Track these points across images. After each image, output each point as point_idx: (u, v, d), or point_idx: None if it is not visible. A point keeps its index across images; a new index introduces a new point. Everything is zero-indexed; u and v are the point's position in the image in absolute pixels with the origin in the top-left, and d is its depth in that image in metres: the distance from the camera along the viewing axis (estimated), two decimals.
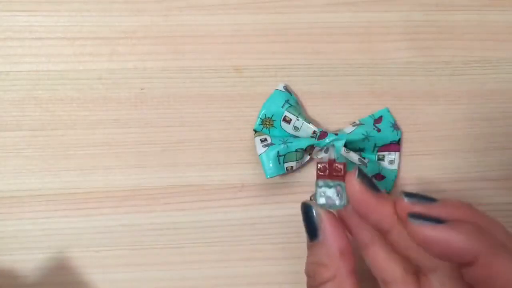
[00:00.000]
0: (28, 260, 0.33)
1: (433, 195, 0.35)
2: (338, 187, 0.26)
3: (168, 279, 0.34)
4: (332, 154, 0.27)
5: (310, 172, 0.35)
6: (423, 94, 0.36)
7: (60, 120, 0.34)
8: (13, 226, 0.33)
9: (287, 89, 0.34)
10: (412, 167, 0.35)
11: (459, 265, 0.23)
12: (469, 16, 0.36)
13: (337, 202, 0.26)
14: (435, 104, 0.36)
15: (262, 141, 0.33)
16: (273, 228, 0.34)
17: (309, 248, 0.26)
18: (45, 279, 0.33)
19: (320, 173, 0.26)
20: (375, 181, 0.33)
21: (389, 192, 0.34)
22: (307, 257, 0.26)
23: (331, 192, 0.26)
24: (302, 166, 0.34)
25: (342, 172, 0.26)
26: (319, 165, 0.27)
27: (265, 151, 0.32)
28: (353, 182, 0.25)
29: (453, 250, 0.22)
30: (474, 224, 0.23)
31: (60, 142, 0.34)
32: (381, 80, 0.36)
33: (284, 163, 0.32)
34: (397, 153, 0.35)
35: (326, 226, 0.25)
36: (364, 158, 0.33)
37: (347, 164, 0.29)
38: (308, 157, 0.34)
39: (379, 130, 0.34)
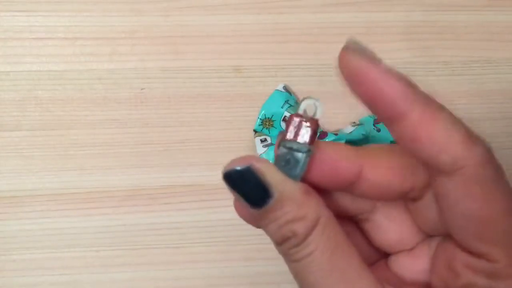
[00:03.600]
0: (28, 260, 0.33)
1: None
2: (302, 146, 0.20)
3: (168, 279, 0.34)
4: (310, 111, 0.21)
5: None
6: None
7: (60, 120, 0.34)
8: (13, 226, 0.33)
9: (286, 89, 0.34)
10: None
11: (388, 118, 0.18)
12: (469, 16, 0.36)
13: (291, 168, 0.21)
14: None
15: (262, 141, 0.33)
16: None
17: (265, 216, 0.21)
18: (45, 279, 0.33)
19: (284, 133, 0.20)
20: None
21: None
22: (264, 225, 0.21)
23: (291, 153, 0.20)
24: None
25: (313, 135, 0.20)
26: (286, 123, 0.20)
27: (265, 151, 0.32)
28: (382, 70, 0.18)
29: (389, 94, 0.18)
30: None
31: (60, 142, 0.34)
32: None
33: None
34: None
35: (276, 178, 0.20)
36: None
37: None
38: None
39: (379, 130, 0.34)
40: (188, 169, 0.34)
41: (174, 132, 0.35)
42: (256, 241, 0.34)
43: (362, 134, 0.33)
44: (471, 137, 0.19)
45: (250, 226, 0.35)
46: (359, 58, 0.18)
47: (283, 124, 0.34)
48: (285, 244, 0.21)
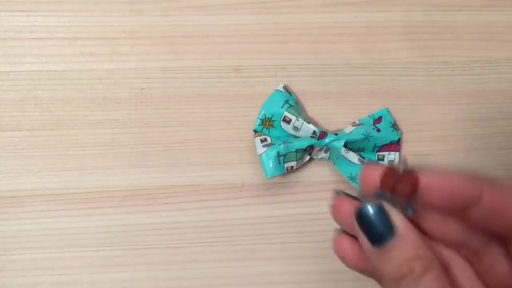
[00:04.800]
0: (28, 260, 0.33)
1: None
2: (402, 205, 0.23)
3: (168, 279, 0.34)
4: (400, 165, 0.23)
5: (310, 172, 0.35)
6: (423, 94, 0.36)
7: (60, 120, 0.34)
8: (13, 226, 0.33)
9: (286, 89, 0.34)
10: (412, 167, 0.35)
11: (464, 208, 0.22)
12: (469, 16, 0.36)
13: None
14: (435, 104, 0.36)
15: (262, 141, 0.33)
16: (273, 228, 0.34)
17: (382, 254, 0.23)
18: (45, 279, 0.33)
19: (384, 183, 0.23)
20: None
21: None
22: (381, 264, 0.23)
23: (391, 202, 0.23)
24: (302, 166, 0.34)
25: (411, 191, 0.23)
26: (383, 181, 0.23)
27: (265, 151, 0.32)
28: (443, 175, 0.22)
29: (457, 190, 0.22)
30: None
31: (60, 142, 0.34)
32: (381, 80, 0.36)
33: (284, 163, 0.32)
34: (397, 153, 0.35)
35: (402, 220, 0.22)
36: (364, 158, 0.33)
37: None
38: (308, 157, 0.34)
39: (379, 130, 0.34)
40: (188, 169, 0.34)
41: (174, 132, 0.35)
42: (256, 241, 0.34)
43: (362, 134, 0.33)
44: None
45: (250, 226, 0.35)
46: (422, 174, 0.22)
47: (283, 124, 0.34)
48: (402, 281, 0.22)
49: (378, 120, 0.35)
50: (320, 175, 0.35)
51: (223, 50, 0.35)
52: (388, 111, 0.35)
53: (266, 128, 0.34)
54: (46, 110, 0.34)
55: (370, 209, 0.23)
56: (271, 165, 0.32)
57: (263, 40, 0.35)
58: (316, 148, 0.33)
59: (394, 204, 0.23)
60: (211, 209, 0.34)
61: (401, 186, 0.23)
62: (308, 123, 0.33)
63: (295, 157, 0.32)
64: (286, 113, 0.33)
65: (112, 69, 0.35)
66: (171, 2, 0.35)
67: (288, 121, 0.33)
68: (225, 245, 0.34)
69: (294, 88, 0.35)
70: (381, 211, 0.23)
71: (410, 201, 0.22)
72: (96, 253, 0.34)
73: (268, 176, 0.32)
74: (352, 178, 0.33)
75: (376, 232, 0.23)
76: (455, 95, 0.36)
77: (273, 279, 0.34)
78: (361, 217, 0.23)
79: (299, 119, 0.33)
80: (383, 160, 0.35)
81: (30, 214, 0.34)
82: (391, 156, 0.35)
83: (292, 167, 0.33)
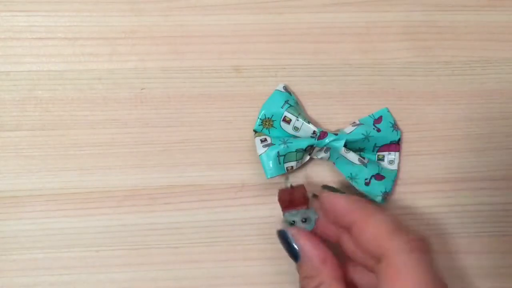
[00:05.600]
0: (28, 260, 0.33)
1: (433, 195, 0.35)
2: (304, 214, 0.30)
3: (168, 279, 0.34)
4: (287, 184, 0.32)
5: (310, 172, 0.35)
6: (423, 94, 0.36)
7: (60, 120, 0.34)
8: (13, 226, 0.33)
9: (286, 89, 0.34)
10: (412, 167, 0.35)
11: (348, 232, 0.28)
12: (469, 16, 0.36)
13: (305, 227, 0.30)
14: (435, 104, 0.36)
15: (262, 141, 0.33)
16: (273, 228, 0.34)
17: (298, 268, 0.29)
18: (45, 279, 0.33)
19: (284, 204, 0.30)
20: (375, 181, 0.33)
21: (389, 192, 0.34)
22: (299, 275, 0.29)
23: (298, 220, 0.30)
24: (302, 166, 0.34)
25: (304, 198, 0.30)
26: (280, 197, 0.31)
27: (265, 151, 0.32)
28: (332, 198, 0.29)
29: (337, 209, 0.28)
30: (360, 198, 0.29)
31: (60, 142, 0.34)
32: (381, 80, 0.36)
33: (284, 163, 0.32)
34: (397, 153, 0.35)
35: (303, 244, 0.29)
36: (363, 158, 0.33)
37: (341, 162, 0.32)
38: (308, 157, 0.34)
39: (379, 130, 0.34)
40: (188, 169, 0.34)
41: (174, 132, 0.35)
42: (256, 241, 0.34)
43: (362, 134, 0.33)
44: (396, 230, 0.26)
45: (250, 226, 0.36)
46: (326, 194, 0.29)
47: (283, 124, 0.34)
48: None
49: (378, 120, 0.35)
50: (320, 175, 0.35)
51: (223, 50, 0.35)
52: (388, 111, 0.35)
53: (266, 128, 0.34)
54: (46, 110, 0.34)
55: (280, 235, 0.30)
56: (271, 165, 0.32)
57: (263, 40, 0.35)
58: (316, 148, 0.33)
59: (298, 219, 0.30)
60: (211, 209, 0.34)
61: (295, 198, 0.30)
62: (308, 123, 0.33)
63: (295, 157, 0.32)
64: (286, 113, 0.33)
65: (112, 69, 0.35)
66: (171, 2, 0.35)
67: (288, 121, 0.33)
68: (225, 245, 0.34)
69: (294, 88, 0.35)
70: (285, 237, 0.29)
71: (308, 209, 0.30)
72: (96, 253, 0.34)
73: (268, 176, 0.32)
74: (352, 178, 0.33)
75: (289, 252, 0.29)
76: (455, 95, 0.36)
77: (273, 279, 0.34)
78: (280, 240, 0.30)
79: (299, 119, 0.33)
80: (383, 160, 0.35)
81: (30, 214, 0.34)
82: (391, 156, 0.35)
83: (292, 167, 0.33)
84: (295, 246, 0.29)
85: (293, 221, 0.30)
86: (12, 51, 0.34)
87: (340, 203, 0.28)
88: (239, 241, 0.34)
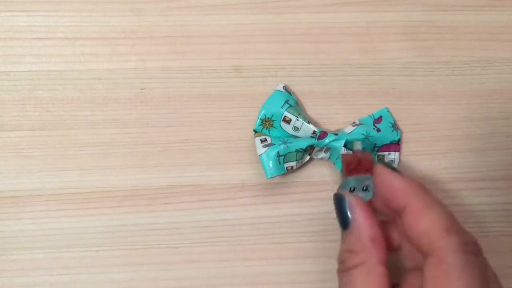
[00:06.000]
0: (28, 260, 0.33)
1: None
2: (367, 181, 0.28)
3: (168, 279, 0.34)
4: (358, 146, 0.30)
5: (310, 172, 0.35)
6: (423, 94, 0.36)
7: (60, 120, 0.34)
8: (13, 226, 0.33)
9: (286, 89, 0.34)
10: (412, 167, 0.35)
11: (396, 213, 0.26)
12: (469, 16, 0.36)
13: (364, 196, 0.28)
14: (435, 104, 0.36)
15: (262, 141, 0.33)
16: (273, 228, 0.34)
17: (342, 236, 0.27)
18: (45, 279, 0.33)
19: (349, 168, 0.28)
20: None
21: None
22: (340, 245, 0.27)
23: (359, 187, 0.28)
24: (302, 166, 0.34)
25: (371, 165, 0.28)
26: (348, 159, 0.28)
27: (265, 151, 0.32)
28: (389, 175, 0.27)
29: (393, 190, 0.26)
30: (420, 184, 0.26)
31: (60, 142, 0.34)
32: (381, 80, 0.36)
33: (284, 163, 0.32)
34: (397, 153, 0.35)
35: (358, 215, 0.26)
36: None
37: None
38: (308, 157, 0.34)
39: (379, 130, 0.34)
40: (188, 169, 0.34)
41: (174, 132, 0.35)
42: (256, 241, 0.34)
43: (362, 134, 0.33)
44: (452, 228, 0.24)
45: (250, 226, 0.35)
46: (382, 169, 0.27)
47: (283, 124, 0.34)
48: (338, 264, 0.27)
49: (378, 120, 0.35)
50: (320, 175, 0.35)
51: (223, 50, 0.35)
52: (388, 111, 0.35)
53: (266, 128, 0.34)
54: (46, 110, 0.34)
55: (337, 199, 0.27)
56: (271, 165, 0.32)
57: (263, 40, 0.35)
58: (316, 148, 0.33)
59: (359, 187, 0.28)
60: (211, 209, 0.34)
61: (362, 164, 0.28)
62: (308, 123, 0.33)
63: (295, 157, 0.32)
64: (286, 113, 0.33)
65: (112, 69, 0.35)
66: (171, 2, 0.35)
67: (288, 121, 0.33)
68: (225, 245, 0.34)
69: (294, 88, 0.35)
70: (341, 202, 0.27)
71: (371, 178, 0.28)
72: (96, 253, 0.34)
73: (268, 176, 0.32)
74: None
75: (341, 218, 0.27)
76: (455, 95, 0.36)
77: (273, 279, 0.34)
78: (335, 204, 0.28)
79: (299, 119, 0.33)
80: (383, 160, 0.35)
81: (30, 214, 0.34)
82: (391, 156, 0.35)
83: (292, 167, 0.33)
84: (349, 214, 0.26)
85: (354, 188, 0.28)
86: (12, 51, 0.34)
87: (398, 183, 0.26)
88: (239, 241, 0.34)
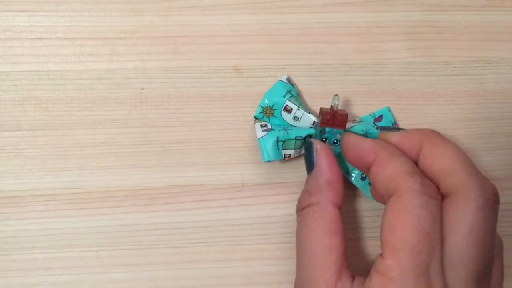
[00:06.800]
0: (28, 260, 0.33)
1: None
2: (338, 135, 0.31)
3: (168, 279, 0.34)
4: (336, 102, 0.32)
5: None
6: (423, 94, 0.36)
7: (60, 120, 0.34)
8: (13, 226, 0.33)
9: (289, 81, 0.34)
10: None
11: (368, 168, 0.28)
12: (469, 16, 0.36)
13: (333, 149, 0.30)
14: (435, 104, 0.36)
15: (262, 126, 0.33)
16: (273, 228, 0.34)
17: (306, 179, 0.29)
18: (45, 279, 0.33)
19: (324, 119, 0.31)
20: None
21: None
22: (303, 188, 0.29)
23: (331, 138, 0.31)
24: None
25: (344, 121, 0.31)
26: (324, 111, 0.31)
27: (264, 135, 0.32)
28: (353, 137, 0.29)
29: (361, 151, 0.28)
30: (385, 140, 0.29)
31: (60, 142, 0.34)
32: (381, 80, 0.36)
33: (282, 149, 0.32)
34: None
35: (320, 159, 0.29)
36: None
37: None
38: None
39: (378, 129, 0.34)
40: (188, 169, 0.34)
41: (174, 132, 0.35)
42: (256, 241, 0.34)
43: (362, 130, 0.33)
44: (414, 172, 0.26)
45: (250, 226, 0.35)
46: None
47: (284, 114, 0.34)
48: (296, 204, 0.30)
49: (379, 118, 0.35)
50: None
51: (223, 50, 0.35)
52: (389, 110, 0.35)
53: (267, 117, 0.34)
54: (46, 110, 0.34)
55: (306, 145, 0.30)
56: (269, 150, 0.32)
57: (263, 40, 0.35)
58: None
59: (331, 138, 0.31)
60: (211, 209, 0.34)
61: (336, 119, 0.31)
62: (309, 113, 0.33)
63: (294, 145, 0.32)
64: (287, 102, 0.33)
65: (112, 69, 0.35)
66: (171, 2, 0.35)
67: (289, 111, 0.33)
68: (225, 245, 0.34)
69: None
70: (310, 147, 0.30)
71: (342, 132, 0.31)
72: (96, 253, 0.34)
73: (266, 160, 0.32)
74: (348, 173, 0.33)
75: (307, 163, 0.30)
76: (455, 95, 0.36)
77: (273, 279, 0.34)
78: (304, 149, 0.31)
79: (300, 109, 0.33)
80: None
81: (30, 214, 0.34)
82: None
83: (290, 155, 0.32)
84: (314, 158, 0.29)
85: (325, 139, 0.31)
86: (12, 51, 0.34)
87: (365, 144, 0.28)
88: (239, 241, 0.34)
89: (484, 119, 0.36)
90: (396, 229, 0.24)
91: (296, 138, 0.32)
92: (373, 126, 0.34)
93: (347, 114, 0.31)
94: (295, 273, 0.30)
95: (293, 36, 0.35)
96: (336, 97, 0.32)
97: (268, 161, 0.32)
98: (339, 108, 0.32)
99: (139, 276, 0.34)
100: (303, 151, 0.34)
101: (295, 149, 0.32)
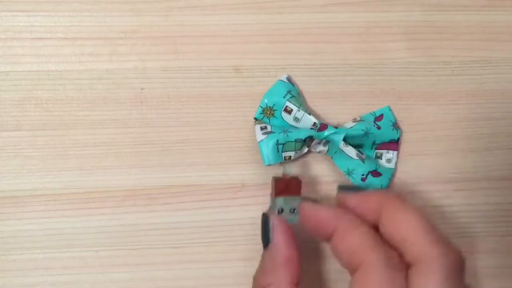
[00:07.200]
0: (28, 260, 0.33)
1: (433, 195, 0.35)
2: (295, 203, 0.30)
3: (168, 279, 0.34)
4: (286, 170, 0.32)
5: (310, 172, 0.35)
6: (423, 94, 0.36)
7: (60, 120, 0.34)
8: (13, 226, 0.33)
9: (289, 80, 0.34)
10: (412, 167, 0.35)
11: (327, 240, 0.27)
12: (469, 16, 0.36)
13: (290, 219, 0.29)
14: (435, 104, 0.36)
15: (262, 128, 0.33)
16: None
17: (262, 255, 0.29)
18: (45, 279, 0.33)
19: (278, 189, 0.30)
20: (371, 177, 0.33)
21: (385, 188, 0.34)
22: (259, 265, 0.29)
23: (286, 208, 0.30)
24: (302, 167, 0.34)
25: (299, 188, 0.30)
26: (276, 181, 0.30)
27: (264, 138, 0.32)
28: (309, 206, 0.28)
29: (319, 221, 0.27)
30: (344, 208, 0.27)
31: (60, 142, 0.34)
32: (381, 80, 0.36)
33: (282, 152, 0.32)
34: (395, 152, 0.35)
35: (277, 236, 0.28)
36: (362, 153, 0.33)
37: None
38: (306, 149, 0.34)
39: (379, 128, 0.34)
40: (188, 169, 0.34)
41: (174, 132, 0.35)
42: (256, 241, 0.34)
43: (362, 130, 0.33)
44: (376, 244, 0.25)
45: (250, 227, 0.36)
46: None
47: (284, 114, 0.34)
48: (252, 282, 0.29)
49: (379, 117, 0.35)
50: (320, 175, 0.35)
51: (223, 50, 0.35)
52: (390, 110, 0.35)
53: (267, 117, 0.34)
54: (46, 110, 0.34)
55: (262, 220, 0.29)
56: (269, 153, 0.32)
57: (263, 40, 0.35)
58: (315, 141, 0.33)
59: (287, 208, 0.30)
60: (211, 209, 0.34)
61: (291, 187, 0.30)
62: (309, 114, 0.33)
63: (294, 147, 0.32)
64: (287, 103, 0.33)
65: (112, 69, 0.35)
66: (171, 2, 0.35)
67: (289, 111, 0.33)
68: (225, 245, 0.34)
69: None
70: (267, 222, 0.29)
71: (298, 200, 0.29)
72: (96, 253, 0.34)
73: (266, 163, 0.32)
74: (349, 173, 0.33)
75: (263, 238, 0.29)
76: (455, 95, 0.36)
77: None
78: (261, 223, 0.29)
79: (300, 110, 0.33)
80: (380, 158, 0.35)
81: (30, 214, 0.34)
82: (388, 155, 0.35)
83: (290, 157, 0.32)
84: (270, 234, 0.28)
85: (282, 209, 0.30)
86: (12, 51, 0.34)
87: (323, 213, 0.27)
88: (239, 241, 0.34)
89: (484, 119, 0.36)
90: None
91: (296, 140, 0.32)
92: (373, 125, 0.34)
93: (300, 181, 0.30)
94: None
95: (293, 36, 0.35)
96: (286, 167, 0.32)
97: (269, 165, 0.32)
98: (291, 174, 0.31)
99: (139, 276, 0.34)
100: (303, 152, 0.34)
101: (295, 151, 0.33)
